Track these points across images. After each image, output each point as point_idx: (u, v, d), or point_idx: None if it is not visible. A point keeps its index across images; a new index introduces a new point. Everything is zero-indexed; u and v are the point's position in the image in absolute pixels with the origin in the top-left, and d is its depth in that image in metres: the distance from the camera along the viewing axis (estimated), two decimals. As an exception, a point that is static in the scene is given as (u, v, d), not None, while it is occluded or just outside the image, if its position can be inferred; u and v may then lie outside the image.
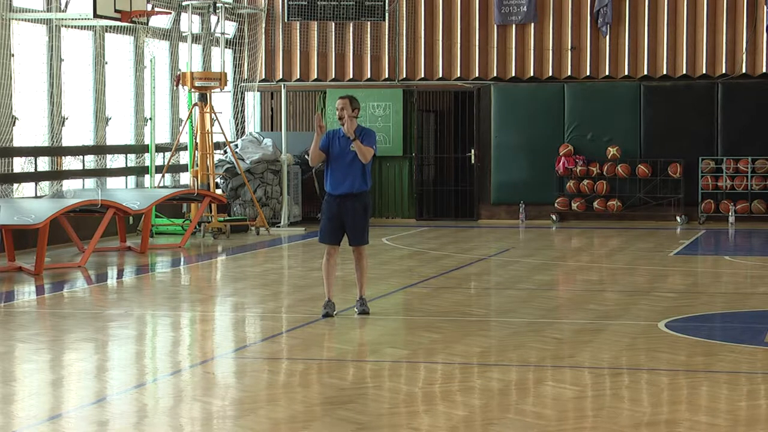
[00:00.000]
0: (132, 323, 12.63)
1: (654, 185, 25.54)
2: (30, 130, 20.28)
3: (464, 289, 15.65)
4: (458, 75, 26.76)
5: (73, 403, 9.04)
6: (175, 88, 23.68)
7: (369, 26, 27.03)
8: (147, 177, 23.00)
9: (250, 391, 9.33)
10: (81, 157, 21.74)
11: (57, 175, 20.97)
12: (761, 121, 25.14)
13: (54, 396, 9.32)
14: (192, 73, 22.41)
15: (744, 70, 25.83)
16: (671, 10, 26.17)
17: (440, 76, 26.85)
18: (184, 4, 23.53)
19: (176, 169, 24.36)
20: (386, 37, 27.00)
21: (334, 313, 12.53)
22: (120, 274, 17.57)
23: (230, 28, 26.42)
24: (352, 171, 12.55)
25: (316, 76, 27.17)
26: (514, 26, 26.64)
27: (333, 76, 27.16)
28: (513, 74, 26.62)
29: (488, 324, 12.68)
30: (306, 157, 24.76)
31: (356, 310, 12.71)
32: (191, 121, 22.82)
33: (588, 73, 26.41)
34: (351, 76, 27.11)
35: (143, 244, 19.63)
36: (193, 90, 22.49)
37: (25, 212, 16.82)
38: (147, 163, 22.92)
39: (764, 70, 25.75)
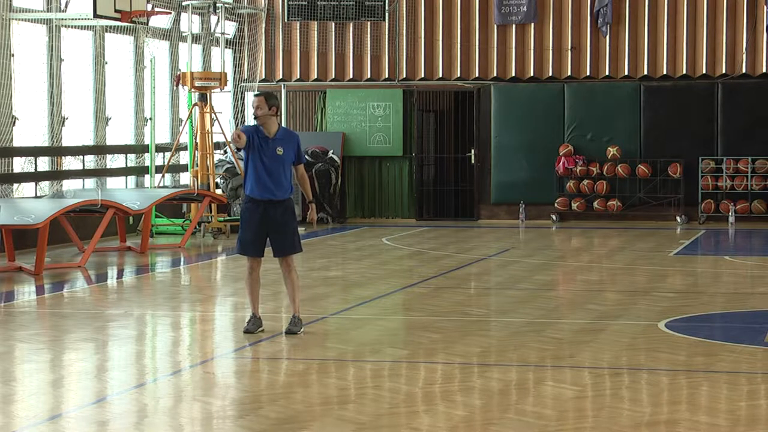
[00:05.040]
0: (132, 323, 12.63)
1: (654, 185, 25.54)
2: (30, 130, 20.28)
3: (464, 289, 15.65)
4: (458, 75, 26.76)
5: (73, 403, 9.04)
6: (175, 88, 23.68)
7: (369, 26, 27.03)
8: (147, 177, 23.00)
9: (250, 391, 9.33)
10: (81, 157, 21.74)
11: (57, 175, 20.97)
12: (761, 121, 25.14)
13: (54, 396, 9.31)
14: (192, 73, 22.40)
15: (744, 70, 25.83)
16: (671, 10, 26.18)
17: (440, 76, 26.85)
18: (184, 4, 23.53)
19: (176, 169, 24.36)
20: (386, 37, 27.00)
21: (258, 330, 11.56)
22: (120, 274, 17.57)
23: (230, 28, 26.42)
24: (282, 174, 11.38)
25: (316, 76, 27.17)
26: (514, 26, 26.64)
27: (333, 76, 27.16)
28: (513, 74, 26.62)
29: (488, 324, 12.68)
30: (306, 157, 24.90)
31: (284, 329, 11.64)
32: (191, 121, 22.82)
33: (588, 73, 26.41)
34: (351, 76, 27.12)
35: (143, 244, 19.63)
36: (193, 90, 22.48)
37: (25, 212, 16.82)
38: (147, 163, 22.92)
39: (764, 70, 25.75)
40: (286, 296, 12.02)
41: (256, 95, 11.56)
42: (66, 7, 20.64)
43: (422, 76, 26.92)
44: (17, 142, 19.75)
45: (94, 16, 20.01)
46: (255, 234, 11.49)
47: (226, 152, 24.50)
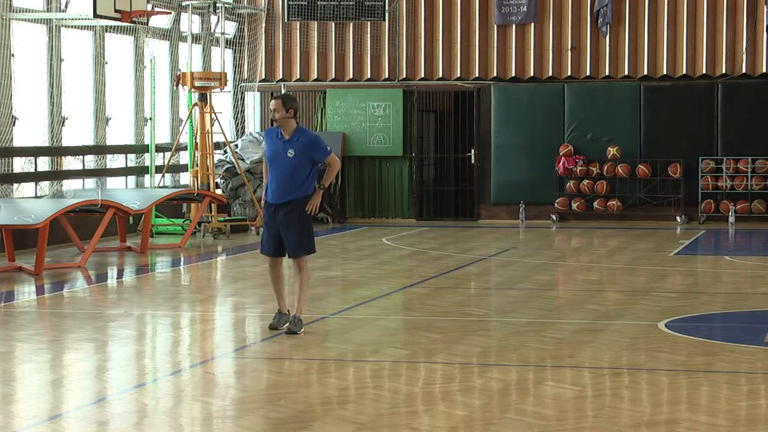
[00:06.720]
0: (132, 323, 12.63)
1: (654, 185, 25.54)
2: (30, 130, 20.28)
3: (464, 289, 15.65)
4: (458, 75, 26.76)
5: (73, 403, 9.04)
6: (175, 88, 23.68)
7: (369, 26, 27.03)
8: (147, 177, 23.00)
9: (250, 391, 9.33)
10: (81, 157, 21.74)
11: (57, 175, 20.97)
12: (761, 121, 25.14)
13: (54, 396, 9.31)
14: (192, 73, 22.40)
15: (744, 70, 25.83)
16: (671, 10, 26.17)
17: (440, 76, 26.85)
18: (184, 4, 23.53)
19: (176, 169, 24.36)
20: (386, 37, 27.00)
21: (282, 326, 11.69)
22: (120, 274, 17.57)
23: (230, 28, 26.42)
24: (289, 177, 11.50)
25: (316, 76, 27.17)
26: (514, 26, 26.64)
27: (333, 76, 27.16)
28: (513, 74, 26.62)
29: (488, 324, 12.68)
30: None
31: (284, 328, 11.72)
32: (191, 121, 22.82)
33: (588, 73, 26.41)
34: (351, 76, 27.12)
35: (143, 244, 19.63)
36: (193, 90, 22.48)
37: (25, 212, 16.82)
38: (147, 163, 22.93)
39: (764, 70, 25.75)
40: (287, 296, 12.03)
41: (274, 98, 11.64)
42: (66, 7, 20.64)
43: (422, 76, 26.92)
44: (17, 142, 19.75)
45: (94, 16, 20.00)
46: (267, 234, 11.78)
47: (226, 152, 24.51)
